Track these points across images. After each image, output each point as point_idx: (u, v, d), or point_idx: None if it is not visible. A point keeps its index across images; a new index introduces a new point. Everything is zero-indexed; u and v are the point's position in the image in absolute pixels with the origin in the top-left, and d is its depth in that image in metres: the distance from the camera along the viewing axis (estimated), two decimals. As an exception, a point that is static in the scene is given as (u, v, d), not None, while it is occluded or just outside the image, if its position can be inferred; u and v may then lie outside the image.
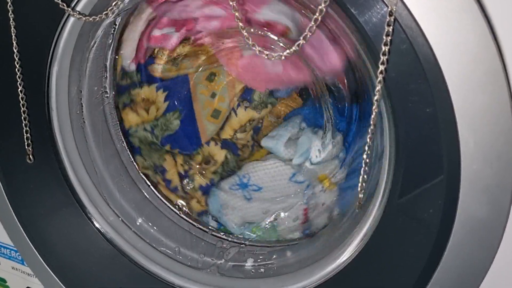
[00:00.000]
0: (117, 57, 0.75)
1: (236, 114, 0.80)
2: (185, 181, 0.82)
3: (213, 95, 0.78)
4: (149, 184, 0.81)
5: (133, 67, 0.77)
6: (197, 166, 0.82)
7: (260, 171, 0.78)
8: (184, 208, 0.81)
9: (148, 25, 0.74)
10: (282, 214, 0.78)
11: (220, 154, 0.82)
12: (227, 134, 0.81)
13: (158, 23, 0.74)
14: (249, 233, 0.80)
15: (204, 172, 0.82)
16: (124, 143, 0.80)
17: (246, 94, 0.80)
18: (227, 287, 0.71)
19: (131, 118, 0.79)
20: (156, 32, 0.75)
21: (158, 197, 0.81)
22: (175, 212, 0.81)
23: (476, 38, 0.43)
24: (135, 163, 0.81)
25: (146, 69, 0.78)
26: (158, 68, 0.78)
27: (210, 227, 0.79)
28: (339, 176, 0.75)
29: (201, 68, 0.79)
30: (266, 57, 0.50)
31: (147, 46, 0.76)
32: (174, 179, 0.82)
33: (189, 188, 0.82)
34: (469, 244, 0.49)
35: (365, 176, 0.50)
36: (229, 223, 0.80)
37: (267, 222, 0.79)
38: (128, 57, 0.75)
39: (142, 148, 0.81)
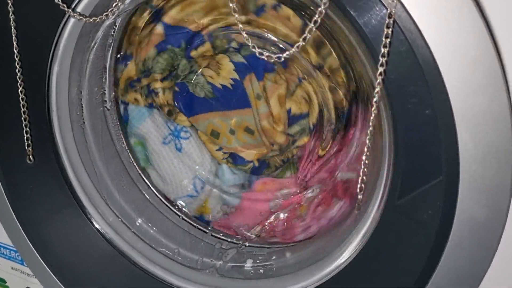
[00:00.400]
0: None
1: (220, 150, 0.80)
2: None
3: (232, 132, 0.77)
4: (149, 184, 0.81)
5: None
6: (166, 109, 0.80)
7: (196, 149, 0.79)
8: (183, 209, 0.82)
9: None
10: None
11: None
12: (203, 138, 0.81)
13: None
14: (134, 144, 0.81)
15: (166, 110, 0.81)
16: (124, 143, 0.80)
17: (238, 158, 0.79)
18: (226, 288, 0.71)
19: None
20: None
21: (158, 197, 0.81)
22: (175, 213, 0.81)
23: (475, 40, 0.43)
24: (134, 163, 0.81)
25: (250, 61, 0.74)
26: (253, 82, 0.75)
27: (209, 228, 0.80)
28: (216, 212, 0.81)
29: (263, 118, 0.76)
30: (266, 58, 0.50)
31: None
32: (143, 91, 0.79)
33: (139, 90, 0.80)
34: (468, 245, 0.49)
35: (364, 177, 0.50)
36: (133, 129, 0.80)
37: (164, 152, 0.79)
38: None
39: (164, 57, 0.76)
